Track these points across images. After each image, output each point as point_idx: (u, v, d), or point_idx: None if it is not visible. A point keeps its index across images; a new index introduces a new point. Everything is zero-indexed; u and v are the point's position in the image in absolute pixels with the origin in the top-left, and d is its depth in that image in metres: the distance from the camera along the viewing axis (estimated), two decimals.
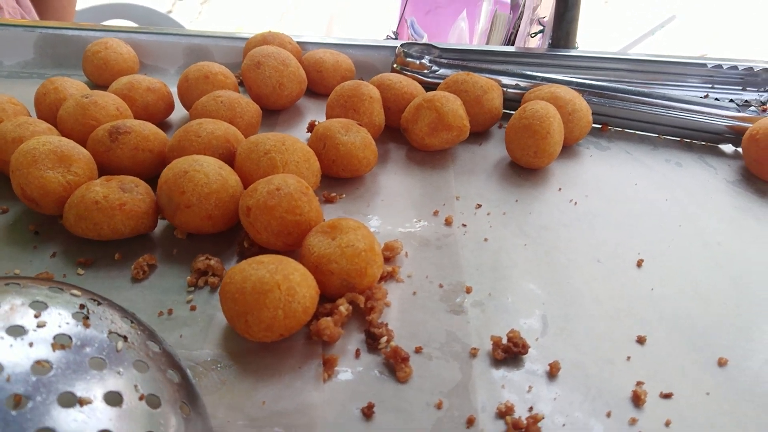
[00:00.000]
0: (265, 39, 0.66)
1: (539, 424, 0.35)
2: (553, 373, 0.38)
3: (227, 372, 0.37)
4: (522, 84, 0.63)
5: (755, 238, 0.50)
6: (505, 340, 0.40)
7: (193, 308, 0.42)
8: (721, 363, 0.40)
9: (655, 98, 0.61)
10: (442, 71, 0.65)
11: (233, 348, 0.39)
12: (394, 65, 0.66)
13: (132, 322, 0.34)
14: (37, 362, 0.28)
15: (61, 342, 0.29)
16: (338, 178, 0.54)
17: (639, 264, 0.47)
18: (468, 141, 0.60)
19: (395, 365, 0.38)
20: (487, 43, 0.92)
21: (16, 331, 0.29)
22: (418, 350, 0.39)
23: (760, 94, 0.66)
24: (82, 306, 0.32)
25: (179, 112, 0.62)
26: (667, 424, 0.36)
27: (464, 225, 0.50)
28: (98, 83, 0.64)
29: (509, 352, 0.39)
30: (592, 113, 0.59)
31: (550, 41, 0.73)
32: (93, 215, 0.44)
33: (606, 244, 0.49)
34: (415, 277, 0.45)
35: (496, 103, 0.59)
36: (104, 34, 0.69)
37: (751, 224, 0.52)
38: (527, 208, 0.52)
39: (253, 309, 0.37)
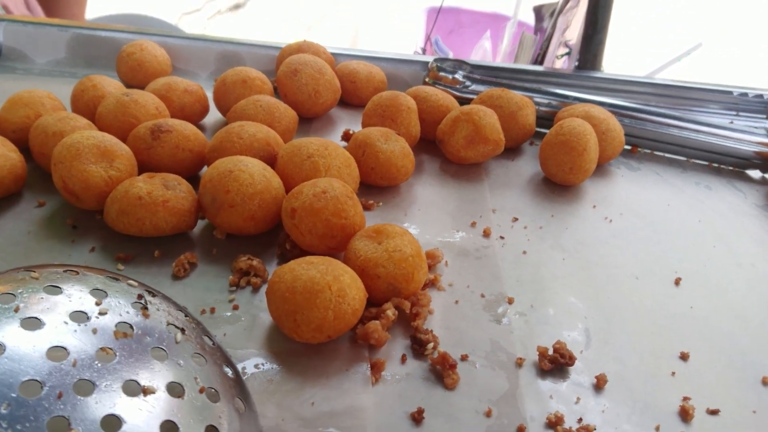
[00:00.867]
0: (300, 48, 0.66)
1: None
2: (600, 385, 0.38)
3: (273, 372, 0.37)
4: (554, 102, 0.63)
5: None
6: (551, 351, 0.39)
7: (235, 307, 0.41)
8: (765, 382, 0.40)
9: (685, 121, 0.62)
10: (474, 87, 0.65)
11: (278, 348, 0.39)
12: (426, 79, 0.67)
13: (186, 315, 0.33)
14: (102, 349, 0.28)
15: (123, 330, 0.29)
16: (375, 186, 0.54)
17: (677, 282, 0.47)
18: (500, 157, 0.60)
19: (443, 372, 0.38)
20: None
21: (80, 317, 0.29)
22: (463, 358, 0.39)
23: None
24: (140, 296, 0.32)
25: (213, 115, 0.62)
26: None
27: (502, 237, 0.50)
28: (131, 84, 0.65)
29: (556, 363, 0.39)
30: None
31: (577, 63, 0.74)
32: (136, 210, 0.44)
33: (642, 261, 0.49)
34: (456, 286, 0.45)
35: (530, 120, 0.60)
36: (138, 36, 0.69)
37: None
38: (563, 223, 0.52)
39: (303, 308, 0.37)
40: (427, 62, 0.70)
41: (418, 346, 0.39)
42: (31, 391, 0.25)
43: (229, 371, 0.33)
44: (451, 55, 0.97)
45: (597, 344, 0.41)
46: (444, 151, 0.58)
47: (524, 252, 0.49)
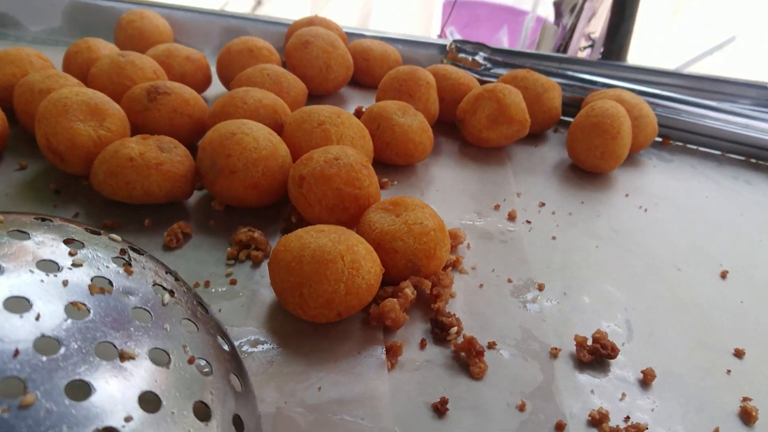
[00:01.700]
0: (311, 22, 0.62)
1: None
2: (647, 380, 0.33)
3: (274, 353, 0.32)
4: (580, 88, 0.59)
5: None
6: (590, 342, 0.35)
7: (233, 282, 0.37)
8: None
9: (722, 112, 0.58)
10: (495, 70, 0.61)
11: (280, 328, 0.34)
12: (444, 61, 0.63)
13: (176, 279, 0.29)
14: (73, 303, 0.23)
15: (100, 285, 0.24)
16: (389, 164, 0.49)
17: (723, 275, 0.42)
18: (523, 142, 0.56)
19: (468, 359, 0.33)
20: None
21: (48, 266, 0.24)
22: (491, 346, 0.34)
23: None
24: (123, 251, 0.27)
25: (215, 88, 0.58)
26: None
27: (528, 222, 0.45)
28: None
29: (596, 354, 0.34)
30: None
31: (601, 54, 0.70)
32: (126, 172, 0.39)
33: (683, 252, 0.44)
34: (480, 270, 0.40)
35: (556, 103, 0.56)
36: (139, 6, 0.65)
37: None
38: (594, 210, 0.48)
39: (311, 281, 0.32)
40: (445, 45, 0.66)
41: (440, 330, 0.34)
42: None
43: (224, 343, 0.28)
44: None
45: (640, 337, 0.36)
46: (464, 132, 0.53)
47: (553, 237, 0.44)
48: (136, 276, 0.26)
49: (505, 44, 0.94)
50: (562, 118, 0.60)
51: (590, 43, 0.74)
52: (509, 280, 0.39)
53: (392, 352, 0.33)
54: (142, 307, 0.25)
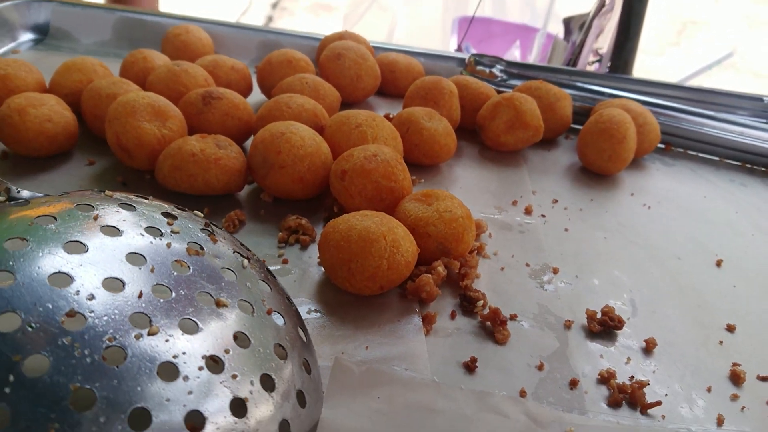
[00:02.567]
0: (342, 36, 0.68)
1: (644, 390, 0.34)
2: (649, 348, 0.38)
3: (325, 319, 0.37)
4: (589, 98, 0.64)
5: None
6: (599, 315, 0.40)
7: (285, 261, 0.42)
8: None
9: (720, 121, 0.63)
10: (511, 81, 0.67)
11: (329, 300, 0.39)
12: (463, 72, 0.68)
13: (248, 250, 0.34)
14: (176, 261, 0.28)
15: (195, 248, 0.29)
16: (417, 164, 0.54)
17: (718, 264, 0.47)
18: (537, 146, 0.61)
19: (493, 327, 0.38)
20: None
21: (154, 231, 0.29)
22: (512, 317, 0.39)
23: None
24: (207, 224, 0.32)
25: (255, 96, 0.63)
26: None
27: (543, 216, 0.50)
28: None
29: (605, 326, 0.39)
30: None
31: (608, 69, 0.76)
32: (189, 166, 0.44)
33: (683, 244, 0.49)
34: (501, 255, 0.45)
35: (567, 112, 0.61)
36: (183, 21, 0.71)
37: None
38: (602, 207, 0.53)
39: (358, 257, 0.37)
40: (464, 59, 0.72)
41: (468, 303, 0.39)
42: (113, 287, 0.25)
43: (292, 305, 0.33)
44: None
45: (643, 313, 0.41)
46: (484, 136, 0.58)
47: (566, 229, 0.49)
48: (220, 244, 0.31)
49: (518, 58, 0.99)
50: (572, 125, 0.65)
51: (598, 58, 0.80)
52: (527, 264, 0.44)
53: (427, 320, 0.38)
54: (228, 267, 0.30)
